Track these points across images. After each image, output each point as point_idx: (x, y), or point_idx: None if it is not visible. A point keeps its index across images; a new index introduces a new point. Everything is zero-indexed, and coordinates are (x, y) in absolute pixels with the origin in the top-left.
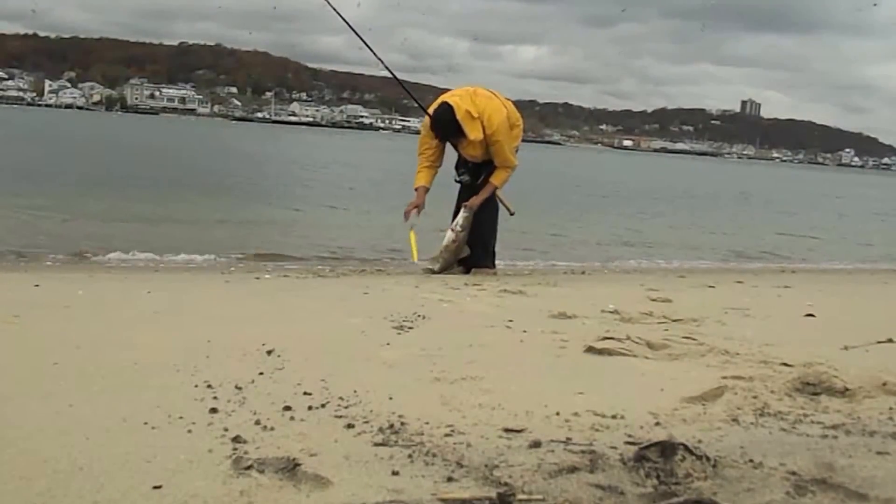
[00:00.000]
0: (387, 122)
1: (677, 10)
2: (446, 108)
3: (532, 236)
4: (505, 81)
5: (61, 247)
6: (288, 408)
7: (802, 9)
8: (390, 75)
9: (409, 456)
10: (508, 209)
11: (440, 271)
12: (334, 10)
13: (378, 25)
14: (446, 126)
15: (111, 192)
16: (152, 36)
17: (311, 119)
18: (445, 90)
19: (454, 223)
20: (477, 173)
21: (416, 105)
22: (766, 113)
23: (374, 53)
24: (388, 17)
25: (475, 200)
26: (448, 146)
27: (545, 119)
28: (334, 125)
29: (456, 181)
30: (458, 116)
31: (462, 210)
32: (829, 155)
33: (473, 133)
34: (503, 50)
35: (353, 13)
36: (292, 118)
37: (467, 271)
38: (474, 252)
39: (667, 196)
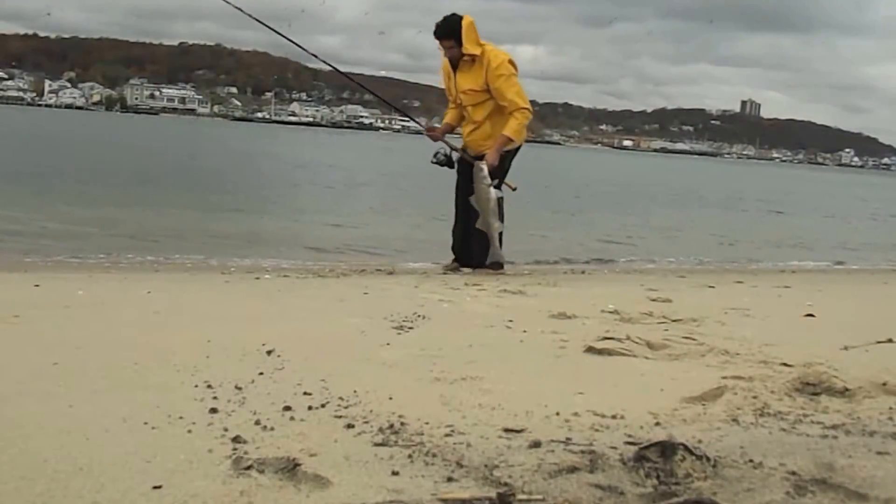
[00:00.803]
0: (387, 122)
1: (673, 10)
2: (456, 14)
3: (532, 236)
4: None
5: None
6: (288, 408)
7: (799, 9)
8: (386, 76)
9: (409, 456)
10: (510, 186)
11: (501, 233)
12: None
13: (374, 25)
14: (448, 24)
15: (105, 193)
16: (152, 36)
17: (311, 119)
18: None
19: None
20: (451, 161)
21: (416, 105)
22: (766, 113)
23: (306, 49)
24: (384, 17)
25: (491, 154)
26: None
27: (545, 119)
28: (334, 125)
29: (432, 163)
30: (464, 23)
31: (476, 165)
32: (829, 155)
33: (469, 45)
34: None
35: (354, 16)
36: (292, 118)
37: (458, 269)
38: (476, 252)
39: (666, 196)
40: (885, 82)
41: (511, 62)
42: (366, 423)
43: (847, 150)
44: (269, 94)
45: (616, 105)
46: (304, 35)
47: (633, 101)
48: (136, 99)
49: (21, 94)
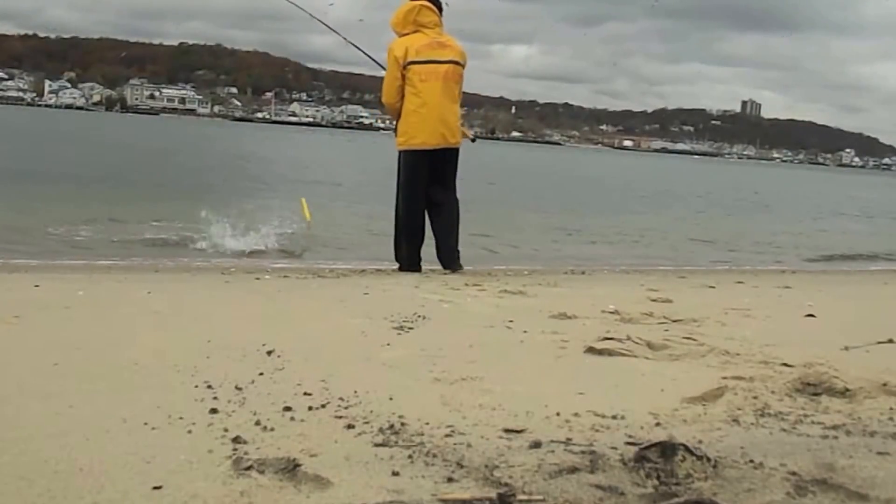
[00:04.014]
0: (387, 122)
1: (663, 9)
2: None
3: (531, 237)
4: (497, 81)
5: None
6: (288, 408)
7: (789, 8)
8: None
9: (410, 456)
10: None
11: None
12: None
13: (367, 25)
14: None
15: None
16: (153, 35)
17: (311, 119)
18: None
19: None
20: None
21: None
22: (767, 113)
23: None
24: (374, 16)
25: None
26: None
27: (545, 119)
28: (334, 125)
29: None
30: (404, 7)
31: None
32: (829, 155)
33: (395, 26)
34: (493, 49)
35: (348, 16)
36: (292, 118)
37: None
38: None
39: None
40: (880, 82)
41: (391, 50)
42: (366, 423)
43: (848, 150)
44: (269, 95)
45: (613, 104)
46: (298, 35)
47: (628, 100)
48: (136, 99)
49: (21, 94)
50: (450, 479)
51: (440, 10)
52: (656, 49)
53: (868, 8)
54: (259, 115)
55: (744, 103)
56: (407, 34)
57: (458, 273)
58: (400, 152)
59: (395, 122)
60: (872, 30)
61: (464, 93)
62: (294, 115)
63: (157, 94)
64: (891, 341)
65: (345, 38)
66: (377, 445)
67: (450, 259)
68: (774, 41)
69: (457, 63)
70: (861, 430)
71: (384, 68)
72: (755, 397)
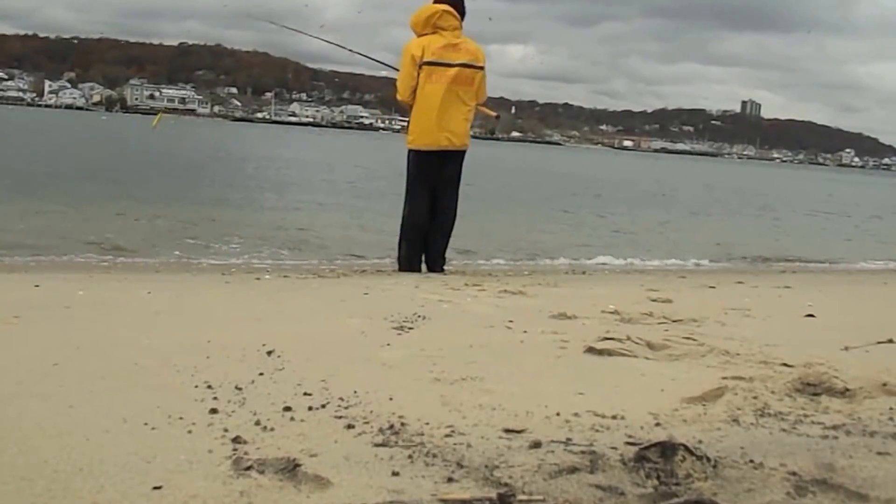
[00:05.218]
0: (387, 122)
1: (657, 8)
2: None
3: (531, 236)
4: (495, 81)
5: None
6: (288, 408)
7: (783, 9)
8: (387, 76)
9: (410, 456)
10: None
11: None
12: None
13: (363, 24)
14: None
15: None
16: (152, 35)
17: (311, 119)
18: None
19: None
20: None
21: None
22: (767, 113)
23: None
24: (371, 16)
25: None
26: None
27: (545, 119)
28: (334, 125)
29: None
30: (425, 11)
31: None
32: (829, 155)
33: (415, 27)
34: (490, 49)
35: (344, 15)
36: (292, 118)
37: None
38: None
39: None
40: (877, 82)
41: (408, 48)
42: (366, 423)
43: (847, 150)
44: (269, 95)
45: (612, 104)
46: (297, 35)
47: (626, 100)
48: (136, 99)
49: (21, 94)
50: (450, 479)
51: (462, 14)
52: (653, 49)
53: (862, 8)
54: (259, 115)
55: (744, 103)
56: (425, 34)
57: (458, 273)
58: (408, 151)
59: (407, 121)
60: (868, 30)
61: None
62: (294, 115)
63: (157, 94)
64: (891, 341)
65: (350, 50)
66: (377, 445)
67: (434, 263)
68: (771, 41)
69: (469, 65)
70: (861, 430)
71: (393, 68)
72: (755, 397)
